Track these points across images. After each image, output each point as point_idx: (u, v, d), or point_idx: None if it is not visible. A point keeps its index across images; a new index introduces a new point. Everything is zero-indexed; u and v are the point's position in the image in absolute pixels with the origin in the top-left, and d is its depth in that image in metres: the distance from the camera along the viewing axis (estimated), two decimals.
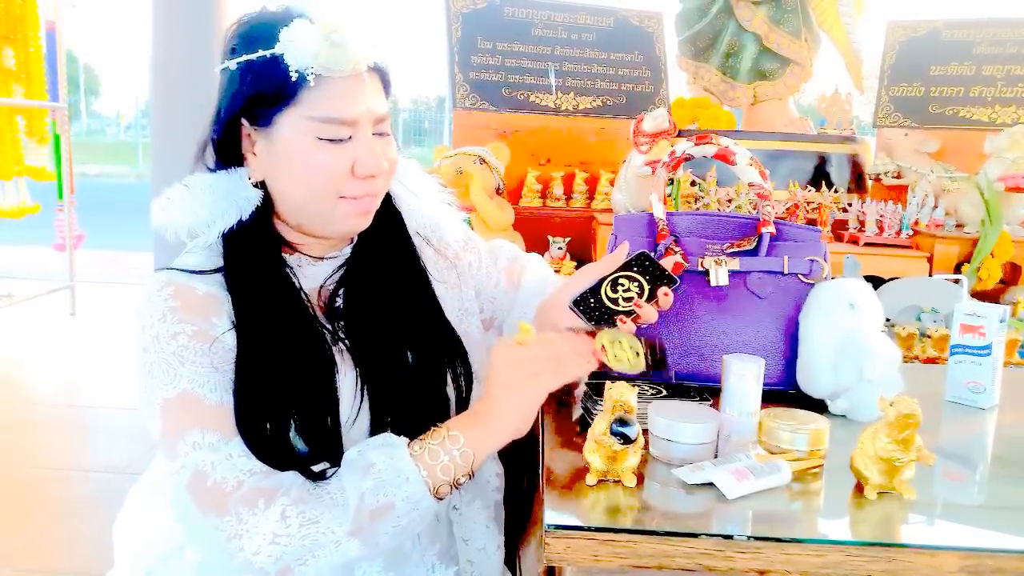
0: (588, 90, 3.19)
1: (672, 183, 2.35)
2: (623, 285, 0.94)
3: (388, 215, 1.01)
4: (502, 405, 0.84)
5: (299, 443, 0.86)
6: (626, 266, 0.95)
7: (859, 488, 0.81)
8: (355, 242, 1.00)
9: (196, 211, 0.92)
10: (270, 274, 0.91)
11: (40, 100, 4.38)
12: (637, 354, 0.89)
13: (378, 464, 0.80)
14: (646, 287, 0.94)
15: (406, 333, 0.95)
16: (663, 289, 0.95)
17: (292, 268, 0.94)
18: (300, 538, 0.77)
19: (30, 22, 4.30)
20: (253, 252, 0.91)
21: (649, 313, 0.94)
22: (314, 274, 0.96)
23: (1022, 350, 1.75)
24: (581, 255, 2.72)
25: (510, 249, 1.19)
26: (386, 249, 0.99)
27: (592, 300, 0.94)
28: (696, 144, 1.16)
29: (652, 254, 0.95)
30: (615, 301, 0.93)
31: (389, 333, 0.94)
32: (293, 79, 0.84)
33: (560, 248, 2.60)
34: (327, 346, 0.90)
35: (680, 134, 2.41)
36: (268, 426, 0.84)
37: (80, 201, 4.88)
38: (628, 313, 0.94)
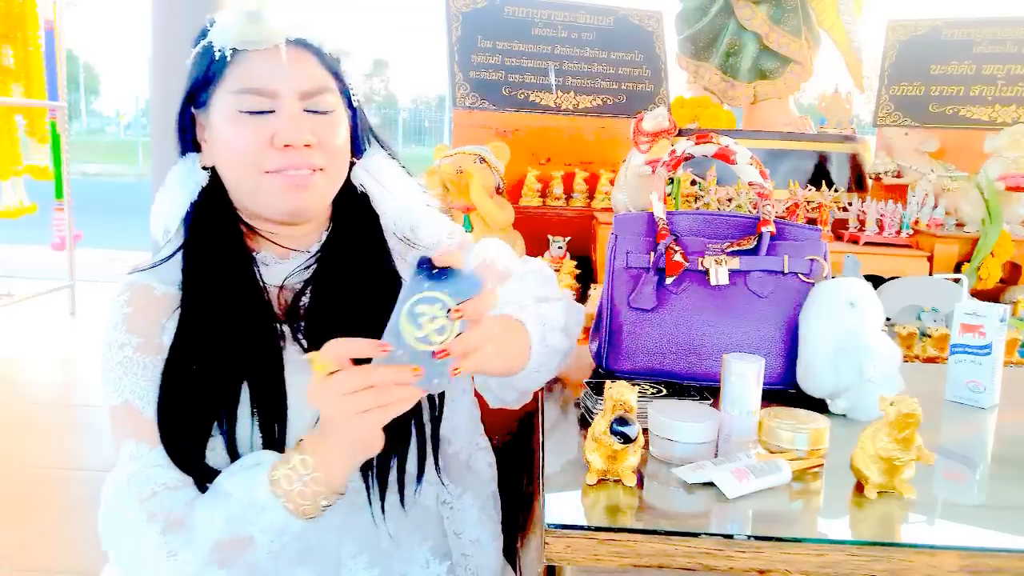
0: (588, 89, 3.19)
1: (672, 182, 2.35)
2: (424, 314, 0.71)
3: (363, 215, 0.99)
4: (336, 440, 0.77)
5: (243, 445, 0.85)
6: (415, 286, 0.71)
7: (859, 487, 0.81)
8: (324, 240, 0.98)
9: (168, 207, 0.95)
10: (221, 255, 0.91)
11: (39, 99, 4.37)
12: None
13: (234, 495, 0.79)
14: (450, 301, 0.72)
15: (372, 338, 0.92)
16: (468, 304, 0.72)
17: (258, 263, 0.93)
18: (167, 568, 0.79)
19: (29, 21, 4.29)
20: (205, 232, 0.92)
21: (467, 342, 0.74)
22: (279, 271, 0.95)
23: (1022, 349, 1.75)
24: (581, 254, 2.72)
25: (492, 249, 1.09)
26: (357, 250, 0.97)
27: (396, 345, 0.72)
28: (696, 143, 1.16)
29: (429, 259, 0.72)
30: (425, 340, 0.72)
31: (353, 336, 0.90)
32: (217, 58, 0.88)
33: (560, 247, 2.59)
34: (276, 342, 0.88)
35: (680, 133, 2.41)
36: (187, 426, 0.83)
37: (80, 200, 4.88)
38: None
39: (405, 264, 0.99)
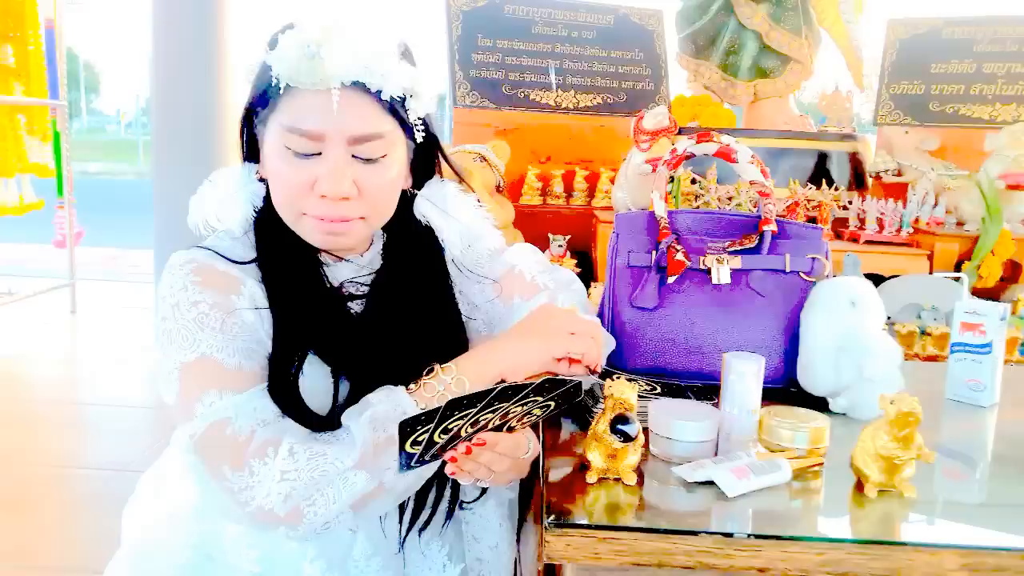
0: (588, 88, 3.19)
1: (672, 181, 2.35)
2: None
3: (423, 248, 1.00)
4: (513, 343, 0.88)
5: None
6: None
7: (859, 486, 0.81)
8: (384, 253, 0.99)
9: (215, 206, 0.95)
10: (296, 264, 0.93)
11: (40, 98, 4.37)
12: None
13: (376, 403, 0.82)
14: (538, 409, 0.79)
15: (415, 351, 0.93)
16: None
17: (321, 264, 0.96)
18: (308, 471, 0.78)
19: (29, 20, 4.29)
20: (275, 241, 0.94)
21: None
22: (334, 273, 0.96)
23: (1022, 348, 1.75)
24: (581, 252, 2.73)
25: (520, 258, 1.07)
26: (415, 276, 0.98)
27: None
28: (698, 142, 1.16)
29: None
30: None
31: (392, 354, 0.91)
32: (272, 84, 0.86)
33: (560, 246, 2.60)
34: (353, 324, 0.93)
35: (680, 132, 2.41)
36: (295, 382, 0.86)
37: (81, 199, 4.89)
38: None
39: (467, 292, 1.03)
